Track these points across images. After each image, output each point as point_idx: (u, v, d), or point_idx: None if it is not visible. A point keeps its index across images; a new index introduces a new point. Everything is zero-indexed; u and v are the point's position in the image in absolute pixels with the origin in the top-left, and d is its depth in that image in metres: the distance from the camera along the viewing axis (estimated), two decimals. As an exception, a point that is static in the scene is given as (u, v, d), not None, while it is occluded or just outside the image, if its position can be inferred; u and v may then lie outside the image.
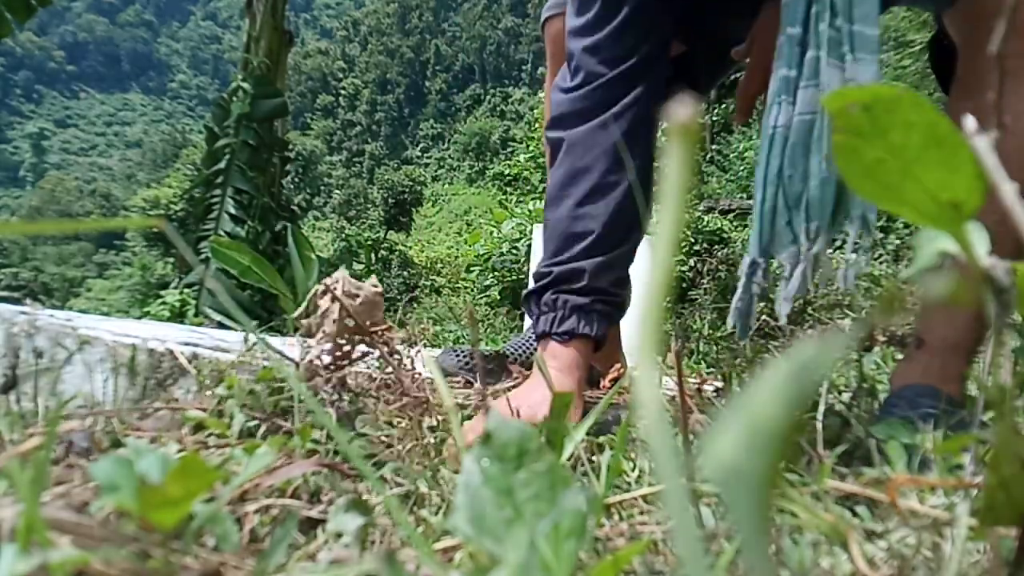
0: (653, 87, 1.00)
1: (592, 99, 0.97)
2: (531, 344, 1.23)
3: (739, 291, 0.92)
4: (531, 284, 1.00)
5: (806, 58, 0.86)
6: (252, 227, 5.64)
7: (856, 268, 0.85)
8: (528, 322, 1.36)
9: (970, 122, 0.28)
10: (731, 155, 11.21)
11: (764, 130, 0.90)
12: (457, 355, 1.18)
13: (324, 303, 0.76)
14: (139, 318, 4.79)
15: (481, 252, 8.38)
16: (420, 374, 0.83)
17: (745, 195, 10.23)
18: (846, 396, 0.92)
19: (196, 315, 5.26)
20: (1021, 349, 0.82)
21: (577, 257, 0.95)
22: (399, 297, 10.33)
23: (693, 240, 6.60)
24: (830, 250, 0.90)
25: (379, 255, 12.25)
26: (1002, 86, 0.32)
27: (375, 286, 0.81)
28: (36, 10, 4.60)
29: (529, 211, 8.39)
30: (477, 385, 1.08)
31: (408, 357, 0.83)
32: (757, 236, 0.90)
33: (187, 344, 0.99)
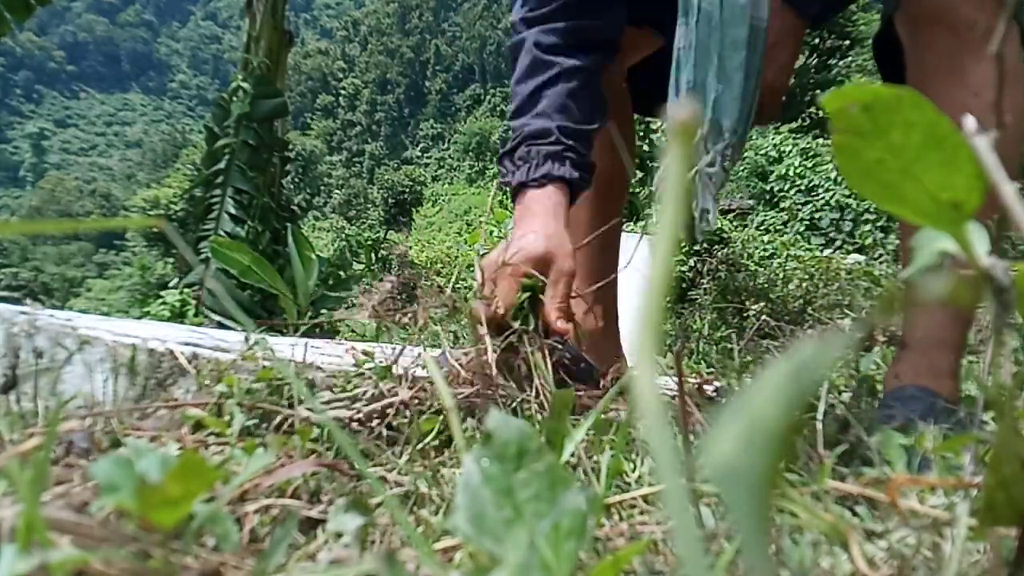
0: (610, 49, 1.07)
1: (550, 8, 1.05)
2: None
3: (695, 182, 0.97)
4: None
5: None
6: (252, 227, 5.63)
7: (715, 176, 0.93)
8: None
9: (970, 122, 0.28)
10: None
11: (674, 50, 0.96)
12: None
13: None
14: (139, 318, 4.79)
15: (481, 252, 8.37)
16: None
17: (745, 195, 10.23)
18: (846, 396, 0.92)
19: (196, 315, 5.26)
20: (1021, 349, 0.82)
21: (544, 116, 1.00)
22: (399, 297, 10.31)
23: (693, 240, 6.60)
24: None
25: (379, 255, 12.26)
26: (1001, 86, 0.32)
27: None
28: (36, 10, 4.60)
29: (529, 211, 8.39)
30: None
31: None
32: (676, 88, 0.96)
33: (187, 344, 0.99)
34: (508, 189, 1.03)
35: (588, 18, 1.05)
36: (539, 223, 0.93)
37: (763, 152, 10.56)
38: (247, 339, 0.94)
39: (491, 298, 0.87)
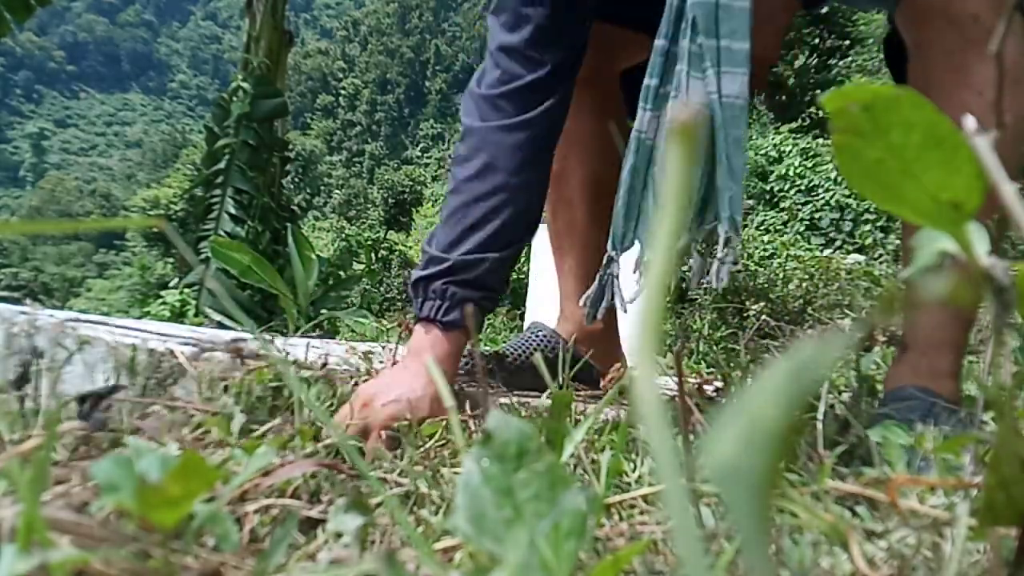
0: (566, 94, 1.04)
1: (509, 99, 1.00)
2: (531, 344, 1.23)
3: (595, 282, 1.00)
4: (416, 270, 1.01)
5: (675, 70, 0.91)
6: (252, 227, 5.63)
7: (728, 265, 0.90)
8: (528, 322, 1.36)
9: (970, 122, 0.28)
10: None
11: (632, 134, 0.95)
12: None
13: None
14: (139, 318, 4.79)
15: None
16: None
17: (745, 195, 10.23)
18: (846, 396, 0.92)
19: (196, 315, 5.25)
20: (1021, 349, 0.82)
21: (476, 249, 0.97)
22: (399, 297, 10.33)
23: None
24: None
25: (379, 255, 12.25)
26: (1001, 85, 0.32)
27: None
28: (36, 10, 4.60)
29: (529, 211, 8.39)
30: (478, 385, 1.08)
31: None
32: (612, 232, 0.97)
33: (187, 344, 0.99)
34: (414, 312, 1.00)
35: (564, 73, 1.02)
36: (417, 382, 0.89)
37: (763, 152, 10.56)
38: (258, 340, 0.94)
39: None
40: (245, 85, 5.95)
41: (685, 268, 0.98)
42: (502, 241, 0.98)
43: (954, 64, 0.83)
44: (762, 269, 5.87)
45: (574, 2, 0.99)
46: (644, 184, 0.94)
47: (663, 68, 0.93)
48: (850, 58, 13.78)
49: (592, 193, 1.26)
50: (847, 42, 13.68)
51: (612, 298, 1.00)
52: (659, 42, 0.93)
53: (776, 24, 1.00)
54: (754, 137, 11.25)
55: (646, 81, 0.94)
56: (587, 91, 1.25)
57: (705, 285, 0.93)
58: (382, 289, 10.27)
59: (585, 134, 1.24)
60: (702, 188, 0.92)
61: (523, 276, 7.19)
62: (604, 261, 0.99)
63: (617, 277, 0.99)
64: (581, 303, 1.03)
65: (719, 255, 0.91)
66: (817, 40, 13.33)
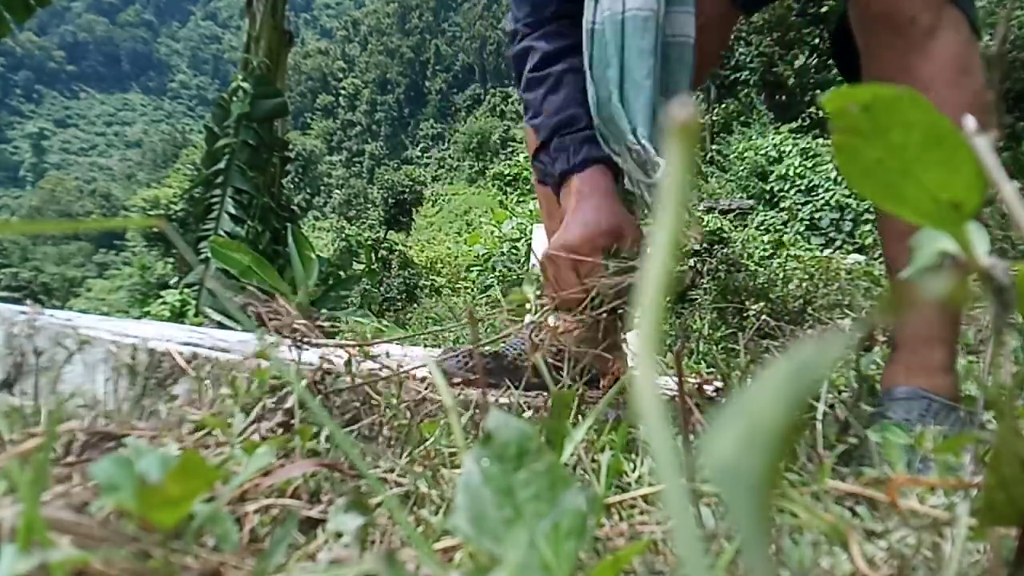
0: None
1: (534, 13, 1.10)
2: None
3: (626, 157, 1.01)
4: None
5: None
6: (252, 227, 5.63)
7: (645, 176, 0.94)
8: (527, 321, 1.36)
9: (970, 122, 0.28)
10: (731, 155, 11.21)
11: (584, 24, 0.99)
12: (456, 355, 1.17)
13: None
14: (139, 318, 4.79)
15: (481, 252, 8.39)
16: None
17: (745, 195, 10.24)
18: (846, 396, 0.92)
19: (196, 315, 5.25)
20: (1021, 349, 0.82)
21: (565, 109, 1.04)
22: (399, 297, 10.33)
23: (693, 240, 6.59)
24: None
25: (379, 255, 12.26)
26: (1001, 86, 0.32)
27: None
28: (35, 10, 4.60)
29: (529, 211, 8.40)
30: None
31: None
32: (600, 120, 1.00)
33: (187, 344, 0.99)
34: (550, 181, 1.06)
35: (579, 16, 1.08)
36: (593, 204, 0.96)
37: (763, 152, 10.56)
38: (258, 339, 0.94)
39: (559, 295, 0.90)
40: (245, 85, 5.95)
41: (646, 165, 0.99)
42: (585, 103, 1.03)
43: (900, 67, 0.87)
44: (762, 269, 5.87)
45: None
46: (616, 70, 0.96)
47: None
48: (850, 58, 13.75)
49: None
50: (847, 42, 13.64)
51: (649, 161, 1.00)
52: None
53: (713, 35, 1.05)
54: (754, 137, 11.25)
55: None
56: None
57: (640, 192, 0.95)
58: (382, 289, 10.27)
59: None
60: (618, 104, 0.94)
61: (523, 276, 7.19)
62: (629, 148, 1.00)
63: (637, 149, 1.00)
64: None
65: (649, 168, 0.93)
66: (817, 40, 13.34)
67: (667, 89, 0.96)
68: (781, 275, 5.45)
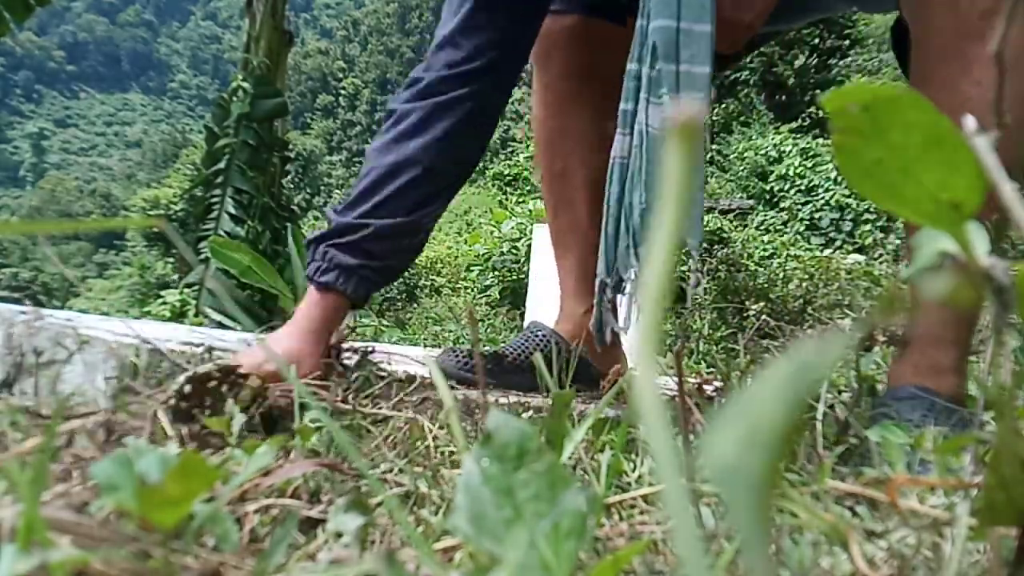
0: (497, 83, 1.05)
1: (434, 84, 1.02)
2: (530, 344, 1.23)
3: (595, 308, 1.01)
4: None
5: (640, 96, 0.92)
6: (252, 227, 5.63)
7: (696, 282, 0.93)
8: (527, 321, 1.36)
9: (970, 121, 0.28)
10: (731, 155, 11.21)
11: (611, 162, 0.96)
12: (456, 355, 1.17)
13: None
14: (139, 318, 4.79)
15: (481, 252, 8.39)
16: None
17: (745, 195, 10.23)
18: (846, 396, 0.92)
19: (196, 315, 5.25)
20: (1021, 349, 0.81)
21: (362, 215, 0.99)
22: (399, 297, 10.33)
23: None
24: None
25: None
26: (1001, 82, 0.32)
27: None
28: (35, 10, 4.60)
29: (529, 211, 8.39)
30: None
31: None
32: (602, 257, 0.98)
33: (187, 344, 0.99)
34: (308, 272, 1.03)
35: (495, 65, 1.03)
36: (286, 343, 0.94)
37: (763, 152, 10.56)
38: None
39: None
40: (245, 85, 5.95)
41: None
42: (389, 210, 0.99)
43: (953, 53, 0.82)
44: (762, 269, 5.87)
45: None
46: (631, 208, 0.94)
47: (636, 93, 0.93)
48: (850, 58, 13.79)
49: (594, 193, 1.26)
50: (847, 42, 13.69)
51: (611, 323, 1.02)
52: (631, 66, 0.94)
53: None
54: (754, 137, 11.24)
55: (622, 106, 0.95)
56: (591, 91, 1.25)
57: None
58: (382, 289, 10.26)
59: (588, 133, 1.24)
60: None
61: (523, 276, 7.20)
62: (597, 287, 0.99)
63: (610, 302, 1.01)
64: (591, 327, 1.04)
65: (693, 277, 0.95)
66: (817, 40, 13.34)
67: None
68: (781, 275, 5.45)
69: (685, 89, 0.88)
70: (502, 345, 1.25)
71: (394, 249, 1.02)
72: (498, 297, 7.90)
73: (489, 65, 1.01)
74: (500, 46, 1.02)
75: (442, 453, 0.68)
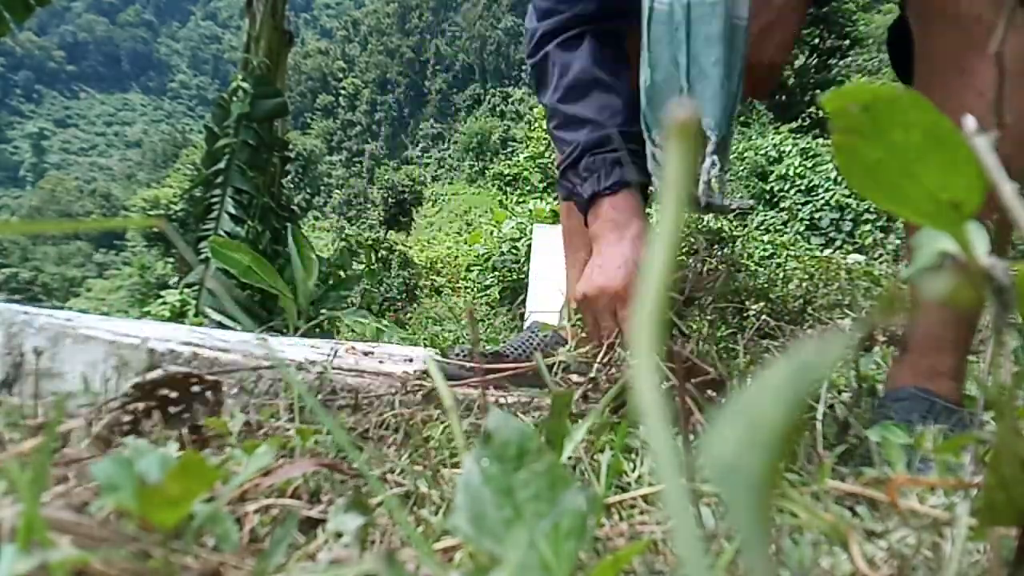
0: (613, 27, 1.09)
1: (559, 28, 1.09)
2: (530, 344, 1.23)
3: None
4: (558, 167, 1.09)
5: None
6: (252, 227, 5.63)
7: (717, 173, 0.92)
8: (528, 322, 1.36)
9: (970, 122, 0.28)
10: (731, 155, 11.20)
11: (644, 4, 0.95)
12: (456, 355, 1.17)
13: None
14: (139, 318, 4.79)
15: (481, 252, 8.39)
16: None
17: (745, 195, 10.23)
18: (846, 396, 0.92)
19: (196, 315, 5.25)
20: (1021, 349, 0.81)
21: (598, 125, 1.02)
22: (399, 297, 10.33)
23: (693, 240, 6.59)
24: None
25: (379, 255, 12.26)
26: (1001, 86, 0.32)
27: None
28: (35, 10, 4.60)
29: (529, 211, 8.40)
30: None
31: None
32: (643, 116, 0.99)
33: (187, 344, 0.99)
34: (577, 202, 1.04)
35: (601, 13, 1.07)
36: (629, 237, 0.95)
37: (763, 152, 10.56)
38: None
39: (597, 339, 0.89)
40: (245, 85, 5.95)
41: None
42: (618, 114, 1.03)
43: (957, 65, 0.82)
44: (762, 269, 5.87)
45: None
46: (684, 55, 0.93)
47: None
48: (850, 58, 13.80)
49: None
50: (847, 42, 13.69)
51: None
52: None
53: (785, 27, 0.99)
54: (754, 137, 11.24)
55: None
56: None
57: (704, 200, 0.92)
58: (382, 289, 10.27)
59: None
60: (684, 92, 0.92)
61: (523, 276, 7.19)
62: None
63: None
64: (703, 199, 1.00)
65: (706, 163, 0.91)
66: (817, 40, 13.34)
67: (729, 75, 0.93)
68: (781, 275, 5.45)
69: None
70: (502, 345, 1.25)
71: (633, 149, 1.04)
72: (498, 297, 7.90)
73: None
74: None
75: (442, 453, 0.68)
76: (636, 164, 1.01)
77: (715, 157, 0.90)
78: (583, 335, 0.96)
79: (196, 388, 0.68)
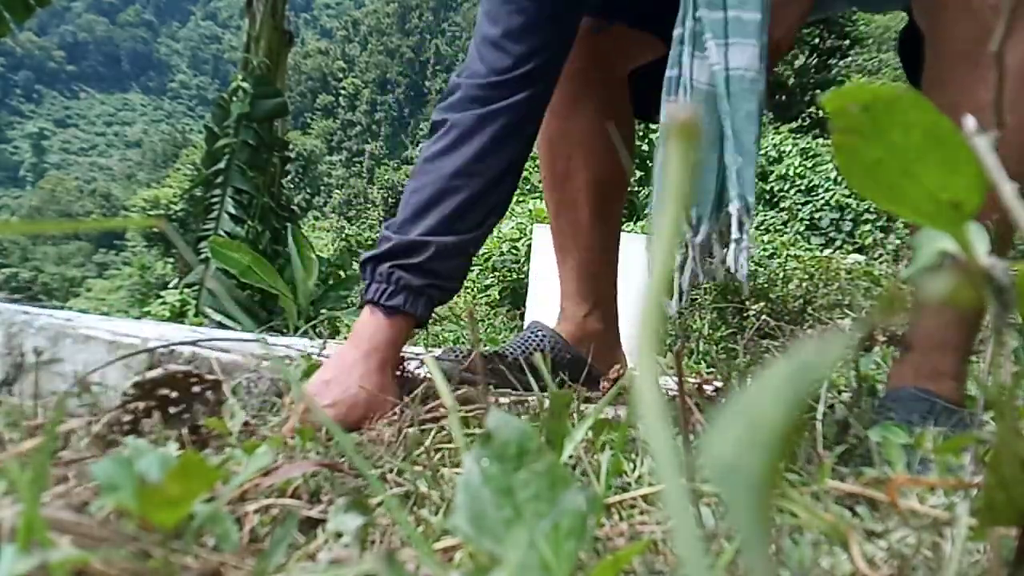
0: (546, 87, 1.02)
1: (484, 89, 0.98)
2: (530, 344, 1.23)
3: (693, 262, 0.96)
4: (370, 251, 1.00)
5: (676, 53, 0.89)
6: (252, 227, 5.63)
7: (744, 249, 0.87)
8: (527, 321, 1.36)
9: (970, 122, 0.28)
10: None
11: (660, 128, 0.92)
12: (456, 355, 1.17)
13: None
14: (139, 318, 4.79)
15: (481, 252, 8.38)
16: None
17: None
18: (846, 396, 0.92)
19: (196, 315, 5.25)
20: (1021, 349, 0.81)
21: (425, 232, 0.95)
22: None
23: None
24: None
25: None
26: (1001, 85, 0.32)
27: None
28: (35, 10, 4.60)
29: (529, 211, 8.39)
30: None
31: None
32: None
33: (187, 344, 0.99)
34: (361, 292, 0.98)
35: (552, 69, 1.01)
36: (360, 373, 0.88)
37: (763, 152, 10.56)
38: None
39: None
40: (245, 85, 5.95)
41: (708, 261, 0.92)
42: (452, 227, 0.96)
43: (970, 58, 0.80)
44: (762, 269, 5.87)
45: None
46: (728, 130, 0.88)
47: (679, 57, 0.89)
48: (850, 58, 13.79)
49: (596, 194, 1.26)
50: (847, 42, 13.68)
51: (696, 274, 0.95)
52: (676, 31, 0.90)
53: (795, 11, 0.97)
54: (754, 137, 11.22)
55: (668, 72, 0.91)
56: (594, 92, 1.25)
57: (724, 275, 0.89)
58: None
59: (590, 135, 1.24)
60: (718, 173, 0.87)
61: (523, 276, 7.19)
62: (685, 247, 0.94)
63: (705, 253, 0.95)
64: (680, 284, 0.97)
65: (734, 237, 0.88)
66: (817, 40, 13.34)
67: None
68: (781, 275, 5.45)
69: (734, 36, 0.83)
70: (502, 345, 1.25)
71: (458, 266, 0.99)
72: (498, 297, 7.90)
73: (536, 70, 0.99)
74: (546, 50, 0.99)
75: (442, 453, 0.68)
76: (430, 296, 0.95)
77: (747, 233, 0.87)
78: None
79: (196, 388, 0.68)
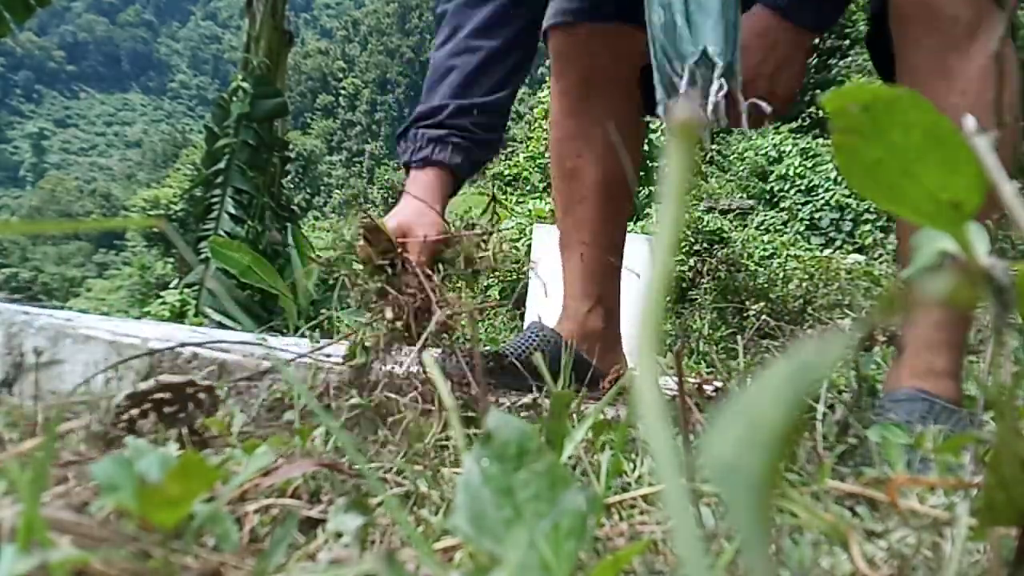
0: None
1: None
2: (530, 343, 1.23)
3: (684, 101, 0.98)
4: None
5: None
6: (252, 227, 5.63)
7: (718, 98, 0.90)
8: (527, 321, 1.36)
9: (970, 122, 0.28)
10: (731, 155, 11.20)
11: None
12: (456, 355, 1.17)
13: None
14: (139, 318, 4.79)
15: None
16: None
17: (745, 195, 10.24)
18: (846, 396, 0.92)
19: (196, 315, 5.25)
20: (1021, 349, 0.81)
21: (439, 96, 1.07)
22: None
23: (693, 240, 6.60)
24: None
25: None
26: (1000, 86, 0.32)
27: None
28: (35, 10, 4.60)
29: (529, 211, 8.39)
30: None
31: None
32: (659, 67, 0.97)
33: (187, 344, 0.99)
34: (402, 164, 1.10)
35: None
36: (407, 203, 1.01)
37: (763, 152, 10.56)
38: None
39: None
40: (245, 85, 5.95)
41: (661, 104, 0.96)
42: (464, 92, 1.07)
43: (937, 67, 0.84)
44: (762, 269, 5.87)
45: None
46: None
47: None
48: (850, 58, 13.78)
49: (605, 192, 1.26)
50: (847, 42, 13.68)
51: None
52: None
53: (793, 66, 1.00)
54: (754, 137, 11.24)
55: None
56: (601, 93, 1.25)
57: (708, 124, 0.92)
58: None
59: (598, 135, 1.25)
60: (684, 26, 0.91)
61: (523, 276, 7.18)
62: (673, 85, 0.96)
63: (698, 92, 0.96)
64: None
65: (714, 86, 0.90)
66: (817, 40, 13.32)
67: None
68: (781, 275, 5.45)
69: None
70: (502, 345, 1.25)
71: (478, 123, 1.08)
72: (498, 297, 7.89)
73: None
74: None
75: (442, 453, 0.68)
76: (455, 144, 1.05)
77: (722, 80, 0.90)
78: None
79: (190, 390, 0.68)
